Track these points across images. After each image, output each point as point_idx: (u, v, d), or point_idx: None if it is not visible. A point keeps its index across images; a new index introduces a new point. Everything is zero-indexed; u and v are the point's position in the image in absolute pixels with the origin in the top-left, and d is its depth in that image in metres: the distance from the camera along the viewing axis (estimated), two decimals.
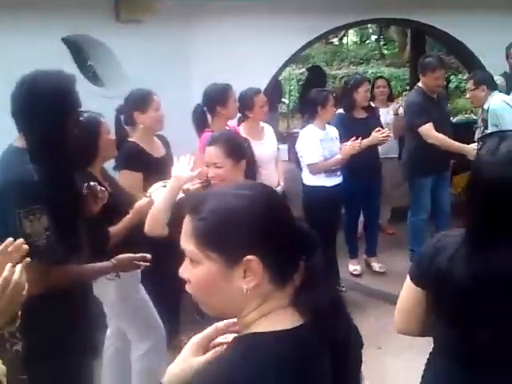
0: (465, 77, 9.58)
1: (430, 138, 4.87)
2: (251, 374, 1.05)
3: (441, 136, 4.88)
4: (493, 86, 5.00)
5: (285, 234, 1.16)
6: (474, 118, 6.56)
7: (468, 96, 5.15)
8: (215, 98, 4.31)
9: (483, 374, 1.62)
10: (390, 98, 6.42)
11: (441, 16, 6.31)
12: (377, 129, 4.98)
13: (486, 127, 4.89)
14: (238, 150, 2.78)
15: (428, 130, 4.90)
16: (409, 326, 1.80)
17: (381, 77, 6.47)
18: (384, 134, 4.95)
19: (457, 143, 4.86)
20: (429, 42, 11.53)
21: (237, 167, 2.75)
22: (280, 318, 1.16)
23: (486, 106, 4.95)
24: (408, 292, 1.77)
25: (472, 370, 1.63)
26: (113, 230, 2.90)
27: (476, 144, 4.43)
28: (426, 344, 1.89)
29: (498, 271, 1.53)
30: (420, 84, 5.16)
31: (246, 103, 4.51)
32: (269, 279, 1.15)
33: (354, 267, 5.49)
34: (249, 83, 4.70)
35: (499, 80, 5.42)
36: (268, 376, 1.05)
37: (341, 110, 5.21)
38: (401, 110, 5.78)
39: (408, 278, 1.77)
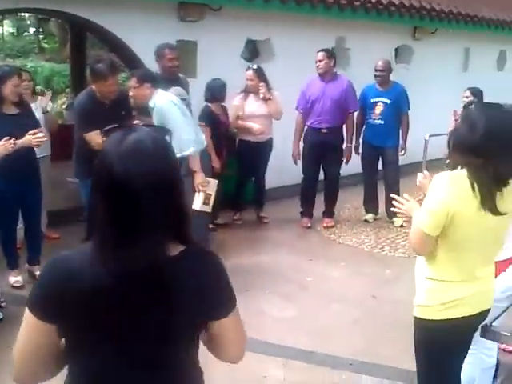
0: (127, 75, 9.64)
1: (96, 146, 4.64)
2: None
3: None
4: (157, 84, 4.98)
5: None
6: None
7: (131, 93, 5.06)
8: None
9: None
10: (35, 92, 5.99)
11: (99, 12, 6.13)
12: (32, 131, 4.55)
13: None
14: None
15: (90, 137, 4.74)
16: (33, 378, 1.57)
17: (23, 70, 5.88)
18: (39, 136, 4.55)
19: None
20: (90, 38, 11.41)
21: None
22: None
23: (151, 104, 4.92)
24: (31, 331, 1.50)
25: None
26: None
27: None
28: None
29: (132, 271, 1.42)
30: (93, 86, 4.93)
31: None
32: None
33: (15, 279, 5.03)
34: None
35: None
36: None
37: None
38: (50, 107, 5.46)
39: (30, 316, 1.48)
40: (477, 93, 6.26)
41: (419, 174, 2.95)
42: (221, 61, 6.86)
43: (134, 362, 1.53)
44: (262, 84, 6.44)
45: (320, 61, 6.51)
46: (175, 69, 5.84)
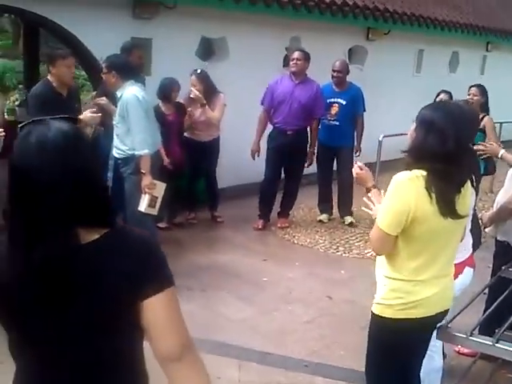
0: (83, 72, 9.49)
1: None
2: None
3: None
4: (126, 75, 4.83)
5: None
6: None
7: (104, 77, 4.96)
8: None
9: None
10: None
11: (53, 8, 5.98)
12: None
13: None
14: None
15: None
16: None
17: None
18: None
19: None
20: (44, 35, 11.18)
21: None
22: None
23: (118, 94, 4.84)
24: None
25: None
26: None
27: None
28: None
29: (35, 267, 1.42)
30: (49, 77, 4.91)
31: None
32: None
33: None
34: None
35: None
36: None
37: None
38: None
39: None
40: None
41: (355, 166, 2.99)
42: (175, 59, 6.80)
43: (60, 362, 1.50)
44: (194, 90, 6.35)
45: (297, 59, 6.47)
46: (141, 67, 5.80)
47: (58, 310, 1.43)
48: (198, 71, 6.46)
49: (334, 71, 6.86)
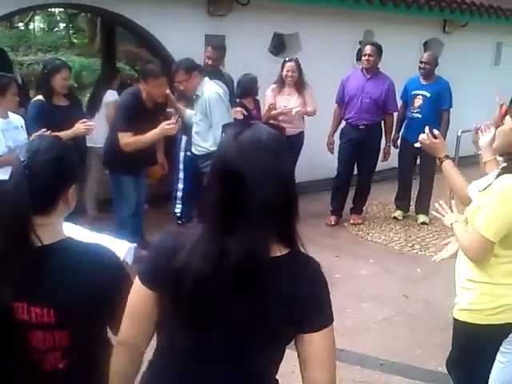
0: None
1: (124, 147, 4.73)
2: None
3: (131, 140, 4.73)
4: (201, 71, 4.90)
5: None
6: None
7: (182, 87, 5.00)
8: None
9: (212, 369, 1.54)
10: None
11: (131, 6, 6.15)
12: (82, 120, 4.76)
13: None
14: None
15: (123, 137, 4.74)
16: (133, 336, 1.62)
17: None
18: (88, 124, 4.76)
19: (146, 136, 4.73)
20: (120, 32, 11.48)
21: None
22: None
23: (198, 93, 4.87)
24: (136, 294, 1.58)
25: (203, 366, 1.55)
26: None
27: None
28: None
29: (227, 261, 1.43)
30: (140, 86, 4.90)
31: None
32: None
33: None
34: None
35: None
36: None
37: (40, 97, 4.85)
38: None
39: (137, 281, 1.58)
40: None
41: (421, 136, 2.92)
42: (248, 55, 6.84)
43: (211, 354, 1.52)
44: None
45: (370, 55, 6.37)
46: (211, 66, 5.83)
47: (225, 305, 1.44)
48: (294, 57, 6.52)
49: (421, 63, 6.66)
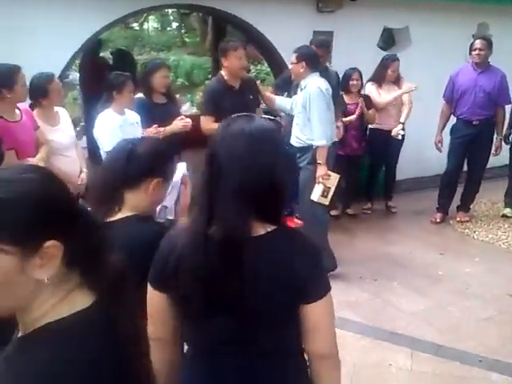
0: (264, 67, 9.83)
1: (203, 129, 4.88)
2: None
3: (215, 126, 4.83)
4: (314, 66, 4.96)
5: (73, 213, 1.14)
6: None
7: (290, 67, 5.12)
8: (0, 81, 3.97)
9: (230, 356, 1.63)
10: None
11: (240, 5, 6.35)
12: (180, 117, 4.94)
13: None
14: None
15: (204, 122, 4.92)
16: (161, 332, 1.72)
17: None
18: (186, 121, 4.89)
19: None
20: (230, 31, 11.77)
21: None
22: (76, 300, 1.14)
23: (303, 84, 4.96)
24: (150, 298, 1.69)
25: (218, 360, 1.65)
26: None
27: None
28: None
29: (214, 242, 1.54)
30: (222, 71, 5.08)
31: (39, 90, 4.29)
32: (65, 262, 1.11)
33: None
34: (45, 67, 4.46)
35: None
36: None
37: (141, 95, 5.04)
38: None
39: (149, 285, 1.70)
40: None
41: None
42: (356, 50, 6.83)
43: (221, 335, 1.60)
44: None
45: (480, 49, 6.21)
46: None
47: (223, 286, 1.52)
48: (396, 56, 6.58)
49: None
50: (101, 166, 2.12)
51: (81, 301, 1.14)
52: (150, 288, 1.68)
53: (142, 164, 2.03)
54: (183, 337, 1.75)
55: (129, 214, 2.04)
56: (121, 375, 1.13)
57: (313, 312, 1.58)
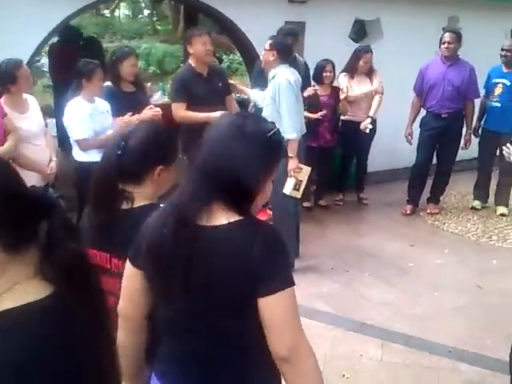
0: (236, 57, 9.78)
1: (176, 117, 4.95)
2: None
3: (188, 113, 4.93)
4: (285, 57, 4.91)
5: (11, 201, 1.10)
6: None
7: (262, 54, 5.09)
8: None
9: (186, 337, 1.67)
10: None
11: None
12: (149, 106, 4.87)
13: None
14: None
15: (176, 109, 4.98)
16: (134, 309, 1.77)
17: None
18: (156, 110, 4.82)
19: (202, 114, 4.78)
20: (201, 19, 11.67)
21: None
22: (26, 290, 1.09)
23: (271, 74, 4.91)
24: (127, 273, 1.75)
25: (178, 334, 1.69)
26: None
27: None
28: None
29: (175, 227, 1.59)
30: (189, 59, 5.08)
31: (7, 76, 4.24)
32: (2, 249, 1.08)
33: None
34: (13, 52, 4.40)
35: None
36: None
37: (109, 83, 4.97)
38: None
39: (127, 260, 1.75)
40: None
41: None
42: (328, 41, 6.82)
43: (181, 319, 1.64)
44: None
45: (449, 43, 6.25)
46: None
47: (183, 270, 1.55)
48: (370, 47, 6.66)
49: (502, 50, 6.45)
50: (96, 167, 2.08)
51: (34, 292, 1.09)
52: (128, 263, 1.74)
53: (137, 157, 1.97)
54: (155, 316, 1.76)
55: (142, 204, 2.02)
56: (77, 364, 1.09)
57: (267, 306, 1.52)
